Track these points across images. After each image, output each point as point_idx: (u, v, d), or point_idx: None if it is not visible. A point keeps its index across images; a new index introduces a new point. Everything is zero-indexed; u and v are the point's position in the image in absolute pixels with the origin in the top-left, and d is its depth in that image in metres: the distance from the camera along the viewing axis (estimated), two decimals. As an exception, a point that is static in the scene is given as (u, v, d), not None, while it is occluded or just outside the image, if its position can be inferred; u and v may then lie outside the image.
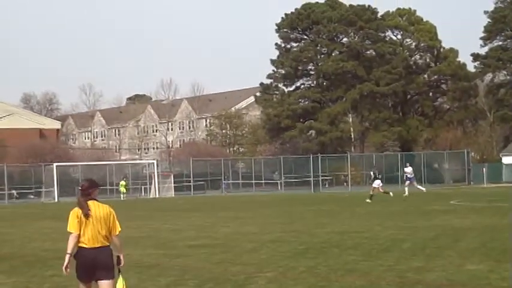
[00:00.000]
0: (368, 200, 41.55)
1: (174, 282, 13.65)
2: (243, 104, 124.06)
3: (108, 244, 9.40)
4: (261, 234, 23.31)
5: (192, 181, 74.32)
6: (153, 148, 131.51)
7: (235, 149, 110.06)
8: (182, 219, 32.46)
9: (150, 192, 70.69)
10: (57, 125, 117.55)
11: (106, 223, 9.37)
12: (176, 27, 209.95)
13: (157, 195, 68.50)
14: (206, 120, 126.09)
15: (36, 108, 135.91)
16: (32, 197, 72.35)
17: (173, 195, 69.06)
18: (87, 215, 9.33)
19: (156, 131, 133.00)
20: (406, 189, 47.82)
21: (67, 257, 9.34)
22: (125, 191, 67.95)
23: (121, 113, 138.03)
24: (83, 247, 9.32)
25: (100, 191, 9.87)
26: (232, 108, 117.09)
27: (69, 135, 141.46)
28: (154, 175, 71.17)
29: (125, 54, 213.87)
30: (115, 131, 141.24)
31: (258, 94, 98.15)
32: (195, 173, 76.57)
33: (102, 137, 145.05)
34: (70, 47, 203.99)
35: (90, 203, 9.43)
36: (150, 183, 71.46)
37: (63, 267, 9.35)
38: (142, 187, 73.24)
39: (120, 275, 9.61)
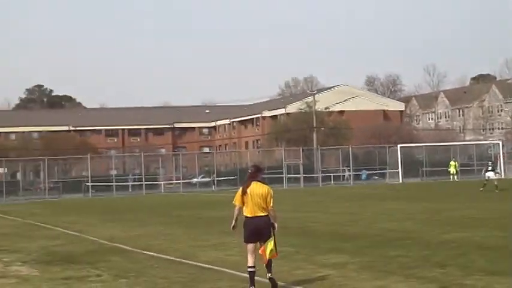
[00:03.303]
0: None
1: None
2: None
3: None
4: None
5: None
6: (498, 128, 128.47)
7: None
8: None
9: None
10: (400, 106, 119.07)
11: None
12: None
13: (502, 176, 66.90)
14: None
15: (379, 90, 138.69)
16: (376, 177, 73.92)
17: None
18: None
19: (501, 111, 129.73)
20: None
21: None
22: (454, 171, 67.67)
23: (465, 93, 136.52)
24: None
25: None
26: None
27: (413, 117, 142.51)
28: (499, 156, 69.76)
29: (467, 34, 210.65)
30: (459, 111, 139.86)
31: None
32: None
33: (445, 117, 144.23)
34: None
35: None
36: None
37: None
38: (487, 168, 71.89)
39: None
